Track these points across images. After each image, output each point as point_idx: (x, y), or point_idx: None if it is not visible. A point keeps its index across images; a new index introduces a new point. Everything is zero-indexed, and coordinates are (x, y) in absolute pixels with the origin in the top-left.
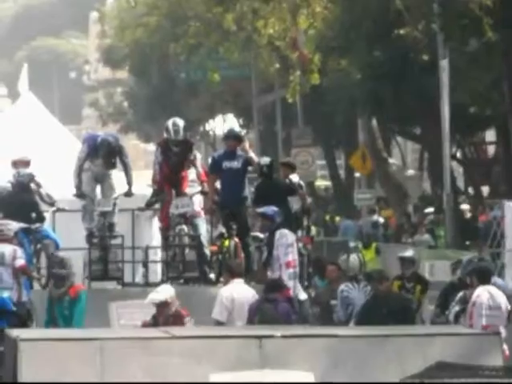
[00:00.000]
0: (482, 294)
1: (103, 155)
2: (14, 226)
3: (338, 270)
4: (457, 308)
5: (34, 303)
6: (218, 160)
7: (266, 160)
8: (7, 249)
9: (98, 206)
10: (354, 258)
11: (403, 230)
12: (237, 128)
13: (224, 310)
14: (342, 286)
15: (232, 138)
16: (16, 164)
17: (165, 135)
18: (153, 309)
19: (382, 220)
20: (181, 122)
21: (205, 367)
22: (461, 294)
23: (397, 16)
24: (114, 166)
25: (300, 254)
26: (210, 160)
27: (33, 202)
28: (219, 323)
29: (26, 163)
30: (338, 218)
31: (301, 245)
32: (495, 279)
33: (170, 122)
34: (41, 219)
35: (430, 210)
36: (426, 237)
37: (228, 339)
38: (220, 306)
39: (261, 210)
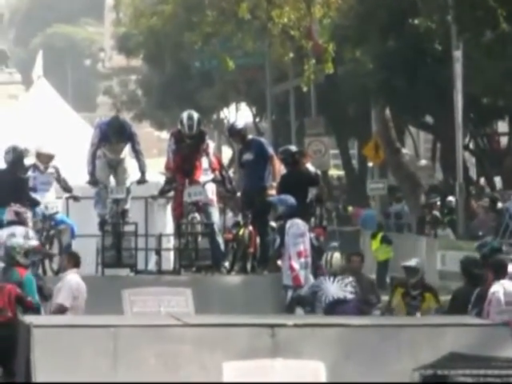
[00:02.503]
0: (498, 290)
1: (114, 131)
2: (30, 214)
3: (360, 261)
4: (475, 310)
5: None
6: (239, 152)
7: (293, 149)
8: (19, 230)
9: (112, 193)
10: (336, 257)
11: (425, 222)
12: (239, 121)
13: (71, 297)
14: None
15: (234, 135)
16: (40, 156)
17: (178, 126)
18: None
19: (406, 209)
20: (195, 116)
21: (217, 355)
22: (476, 292)
23: (411, 6)
24: (125, 141)
25: (311, 246)
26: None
27: (20, 181)
28: (63, 308)
29: (49, 157)
30: (350, 208)
31: (312, 235)
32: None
33: (184, 116)
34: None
35: (434, 200)
36: (448, 231)
37: (240, 327)
38: (68, 292)
39: (269, 198)
